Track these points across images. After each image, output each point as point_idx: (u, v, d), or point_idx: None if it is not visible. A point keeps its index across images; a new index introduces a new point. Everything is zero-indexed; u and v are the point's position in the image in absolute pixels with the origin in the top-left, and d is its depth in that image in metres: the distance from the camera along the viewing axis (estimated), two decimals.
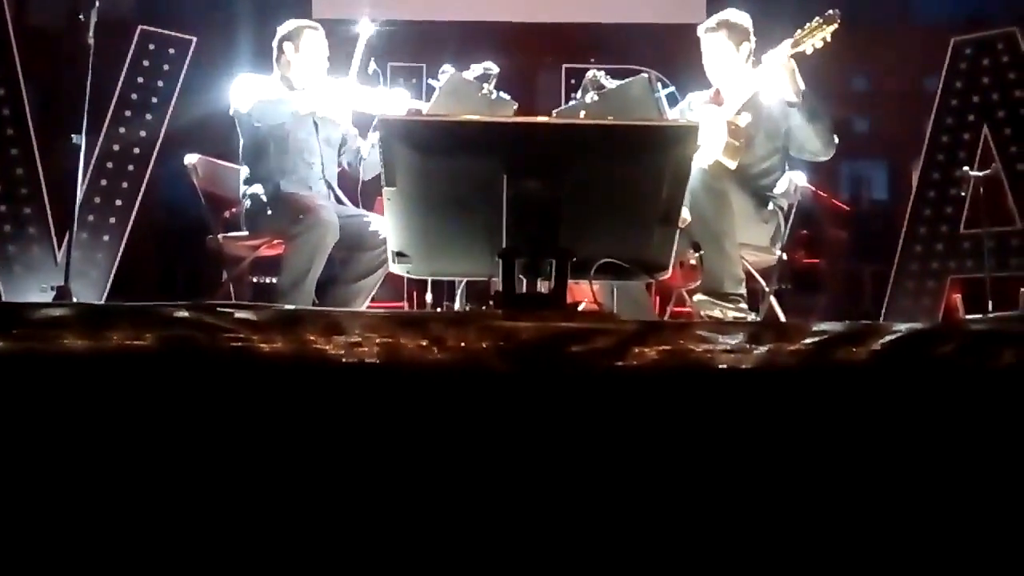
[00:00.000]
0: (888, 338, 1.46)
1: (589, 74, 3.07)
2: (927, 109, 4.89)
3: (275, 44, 3.34)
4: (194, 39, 4.81)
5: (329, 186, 3.34)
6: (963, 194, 4.40)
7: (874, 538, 1.40)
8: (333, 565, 1.38)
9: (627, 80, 3.01)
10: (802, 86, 2.98)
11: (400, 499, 1.39)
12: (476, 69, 3.14)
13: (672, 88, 3.04)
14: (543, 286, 2.04)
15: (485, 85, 3.07)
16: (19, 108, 4.48)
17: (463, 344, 1.45)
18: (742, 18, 3.18)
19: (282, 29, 3.35)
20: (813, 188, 3.54)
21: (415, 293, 4.14)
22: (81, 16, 3.43)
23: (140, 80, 4.72)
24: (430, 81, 3.27)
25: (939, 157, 4.78)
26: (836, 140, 3.09)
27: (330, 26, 3.41)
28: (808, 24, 2.91)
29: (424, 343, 1.45)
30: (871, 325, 1.62)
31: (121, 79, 4.67)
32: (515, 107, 3.12)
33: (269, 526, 1.38)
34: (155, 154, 4.68)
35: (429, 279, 3.49)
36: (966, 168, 4.35)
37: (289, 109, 3.18)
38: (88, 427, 1.38)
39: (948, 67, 4.81)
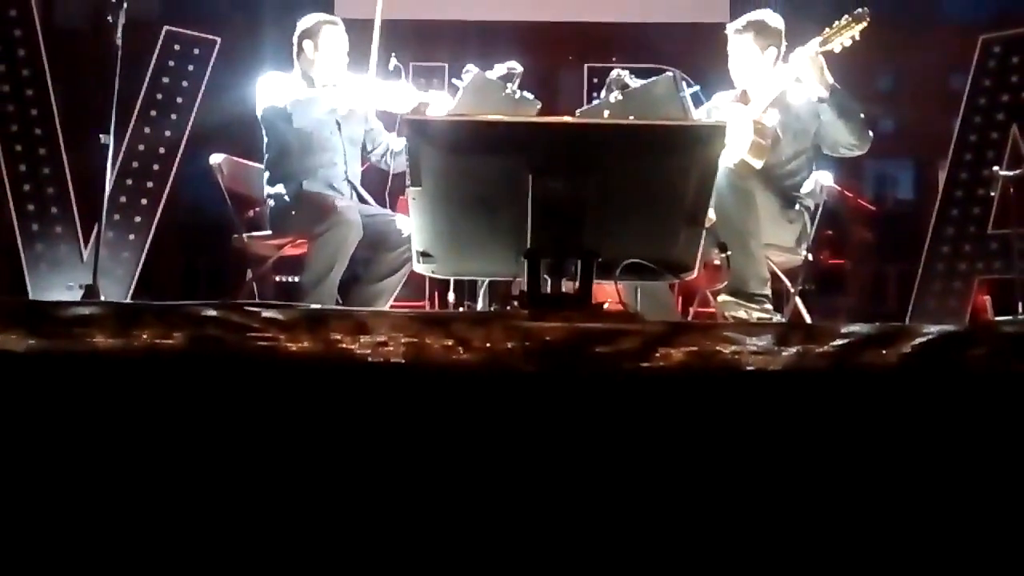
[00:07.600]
0: (919, 340, 1.44)
1: (613, 73, 3.04)
2: (955, 108, 4.83)
3: (295, 40, 3.34)
4: (218, 40, 4.85)
5: (352, 185, 3.35)
6: (992, 194, 4.34)
7: (903, 544, 1.38)
8: (359, 562, 1.38)
9: (651, 79, 2.97)
10: (831, 80, 2.93)
11: (426, 499, 1.39)
12: (500, 69, 3.12)
13: (697, 88, 3.00)
14: (567, 287, 2.03)
15: (509, 85, 3.05)
16: (46, 108, 4.53)
17: (488, 344, 1.45)
18: (775, 20, 3.10)
19: (301, 24, 3.34)
20: (840, 188, 3.49)
21: (437, 293, 4.15)
22: (109, 18, 3.45)
23: (165, 80, 4.76)
24: (453, 80, 3.26)
25: (967, 157, 4.72)
26: (871, 134, 3.03)
27: (352, 24, 3.41)
28: (837, 22, 2.87)
29: (449, 343, 1.44)
30: (901, 327, 1.60)
31: (147, 79, 4.71)
32: (539, 107, 3.10)
33: (296, 525, 1.38)
34: (180, 153, 4.72)
35: (452, 279, 3.50)
36: (996, 168, 4.29)
37: (325, 108, 3.18)
38: (117, 426, 1.39)
39: (977, 65, 4.74)
